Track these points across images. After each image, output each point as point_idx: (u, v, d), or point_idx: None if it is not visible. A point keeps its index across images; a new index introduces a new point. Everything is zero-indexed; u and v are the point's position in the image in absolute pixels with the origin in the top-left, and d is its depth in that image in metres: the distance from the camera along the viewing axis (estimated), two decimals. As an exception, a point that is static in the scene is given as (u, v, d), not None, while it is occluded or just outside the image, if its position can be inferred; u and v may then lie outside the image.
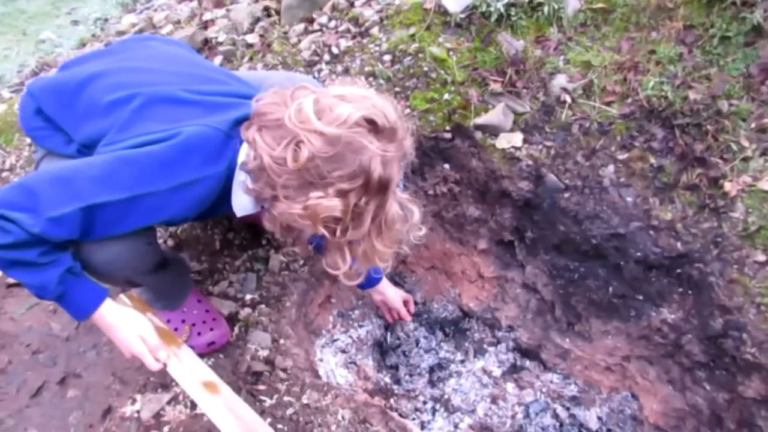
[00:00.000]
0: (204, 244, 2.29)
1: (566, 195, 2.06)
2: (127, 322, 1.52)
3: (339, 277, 1.43)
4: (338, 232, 1.29)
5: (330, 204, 1.23)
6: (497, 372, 2.31)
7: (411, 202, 1.41)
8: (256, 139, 1.31)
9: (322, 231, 1.29)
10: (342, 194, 1.24)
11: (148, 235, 1.53)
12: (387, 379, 2.32)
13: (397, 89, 2.36)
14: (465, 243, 2.35)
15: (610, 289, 1.98)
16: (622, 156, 2.07)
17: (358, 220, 1.29)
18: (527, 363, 2.31)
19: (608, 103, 2.16)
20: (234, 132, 1.36)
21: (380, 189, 1.26)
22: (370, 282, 2.09)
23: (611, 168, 2.06)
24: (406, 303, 2.24)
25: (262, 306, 2.18)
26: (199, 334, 1.96)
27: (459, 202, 2.31)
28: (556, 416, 2.12)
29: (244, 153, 1.37)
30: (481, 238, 2.29)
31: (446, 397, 2.25)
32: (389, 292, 2.15)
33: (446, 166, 2.31)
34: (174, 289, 1.95)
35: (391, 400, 2.23)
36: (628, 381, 2.04)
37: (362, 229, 1.30)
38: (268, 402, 1.89)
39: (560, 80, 2.21)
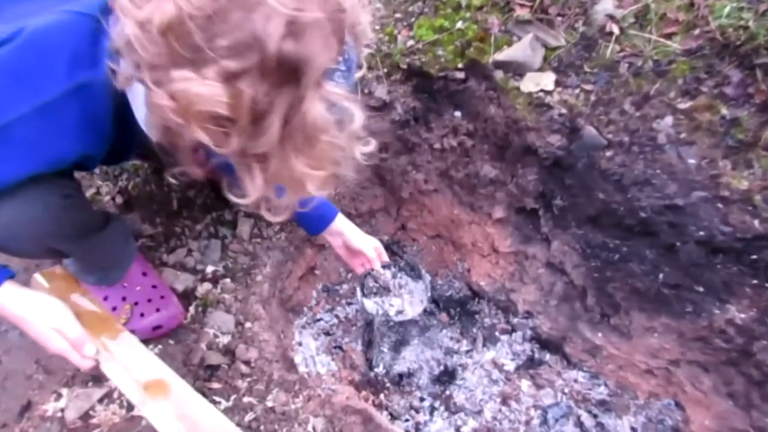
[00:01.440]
0: (159, 202, 1.91)
1: (608, 153, 1.63)
2: (37, 312, 1.19)
3: (262, 212, 0.97)
4: (233, 141, 0.84)
5: (205, 91, 0.79)
6: (510, 366, 1.94)
7: (348, 99, 0.89)
8: (120, 1, 0.85)
9: (202, 136, 0.83)
10: (227, 78, 0.79)
11: (62, 186, 1.15)
12: (379, 369, 1.96)
13: (398, 15, 1.91)
14: (477, 209, 1.94)
15: (661, 276, 1.57)
16: (684, 105, 1.62)
17: (260, 123, 0.83)
18: (547, 357, 1.93)
19: (668, 36, 1.70)
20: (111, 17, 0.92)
21: (288, 74, 0.80)
22: (319, 221, 1.63)
23: (669, 120, 1.61)
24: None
25: (227, 280, 1.82)
26: (142, 315, 1.61)
27: (472, 159, 1.89)
28: (580, 424, 1.76)
29: None
30: (498, 204, 1.88)
31: (448, 393, 1.90)
32: (350, 233, 1.63)
33: (457, 113, 1.88)
34: (111, 258, 1.59)
35: (381, 396, 1.88)
36: (673, 388, 1.66)
37: (268, 137, 0.84)
38: (223, 404, 1.54)
39: (605, 5, 1.75)
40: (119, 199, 1.92)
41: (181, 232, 1.88)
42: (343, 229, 1.61)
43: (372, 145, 1.00)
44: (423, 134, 1.92)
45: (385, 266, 1.70)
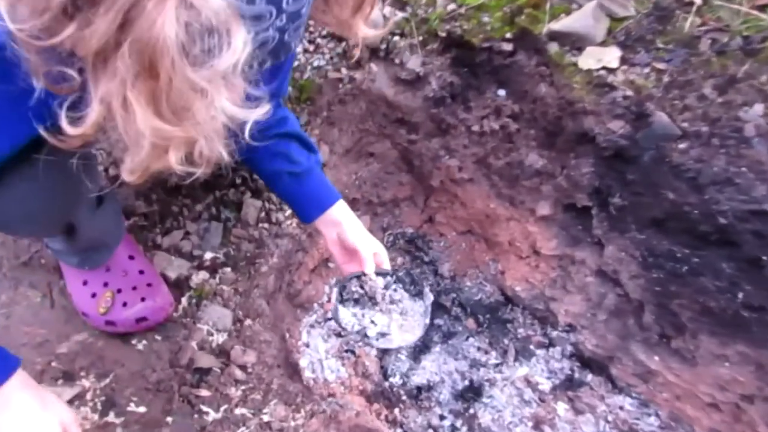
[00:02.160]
0: (156, 177, 1.70)
1: (681, 146, 1.38)
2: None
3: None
4: (65, 27, 0.56)
5: None
6: (545, 385, 1.70)
7: (234, 21, 0.58)
8: None
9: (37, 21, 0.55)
10: None
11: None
12: (395, 380, 1.74)
13: (439, -27, 1.67)
14: (518, 204, 1.70)
15: (740, 295, 1.32)
16: (780, 90, 1.35)
17: (94, 5, 0.54)
18: (589, 378, 1.68)
19: (761, 8, 1.43)
20: None
21: None
22: (312, 205, 1.31)
23: (758, 109, 1.35)
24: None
25: (227, 270, 1.60)
26: (125, 304, 1.41)
27: (515, 145, 1.65)
28: (625, 459, 1.51)
29: None
30: (543, 199, 1.63)
31: (472, 412, 1.67)
32: (349, 225, 1.29)
33: (501, 92, 1.63)
34: (98, 237, 1.38)
35: (396, 411, 1.65)
36: (741, 426, 1.41)
37: (98, 28, 0.54)
38: (211, 415, 1.32)
39: (686, -30, 1.49)
40: (113, 171, 1.71)
41: (179, 212, 1.67)
42: (341, 220, 1.29)
43: (264, 110, 0.68)
44: (460, 114, 1.67)
45: (379, 274, 1.28)
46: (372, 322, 1.26)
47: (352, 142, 1.79)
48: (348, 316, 1.28)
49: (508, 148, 1.65)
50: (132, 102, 0.58)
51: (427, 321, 1.29)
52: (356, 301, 1.28)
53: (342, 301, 1.28)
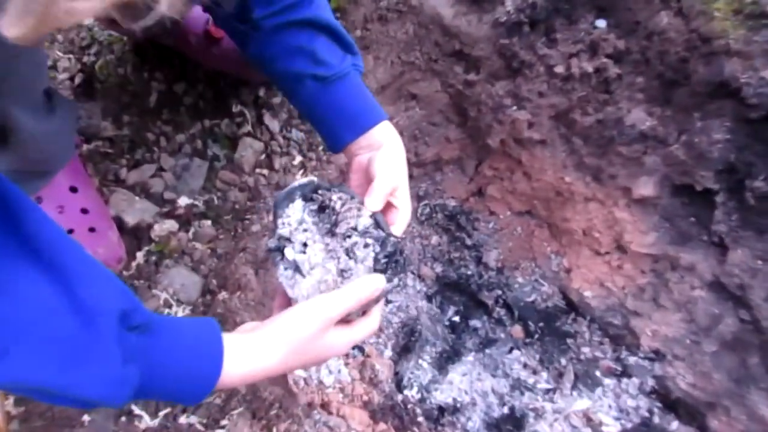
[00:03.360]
0: (132, 94, 1.32)
1: None
2: None
3: None
4: None
5: None
6: (612, 428, 1.28)
7: None
8: None
9: None
10: None
11: None
12: (412, 393, 1.34)
13: None
14: (606, 179, 1.26)
15: None
16: None
17: None
18: (675, 425, 1.25)
19: None
20: None
21: None
22: (352, 120, 0.93)
23: None
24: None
25: (206, 223, 1.22)
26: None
27: (614, 96, 1.21)
28: None
29: None
30: (646, 174, 1.19)
31: (509, 450, 1.25)
32: (390, 150, 0.92)
33: (601, 22, 1.20)
34: (36, 155, 1.02)
35: (409, 435, 1.25)
36: None
37: None
38: (145, 421, 0.94)
39: None
40: (79, 79, 1.34)
41: (155, 141, 1.29)
42: (383, 141, 0.91)
43: None
44: (540, 49, 1.24)
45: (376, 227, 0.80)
46: (304, 245, 0.78)
47: (391, 76, 1.37)
48: (295, 214, 0.80)
49: (603, 101, 1.21)
50: None
51: (384, 264, 0.80)
52: (318, 211, 0.82)
53: (304, 197, 0.81)
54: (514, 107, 1.31)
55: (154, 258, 1.14)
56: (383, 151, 0.89)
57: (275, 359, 0.69)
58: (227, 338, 0.68)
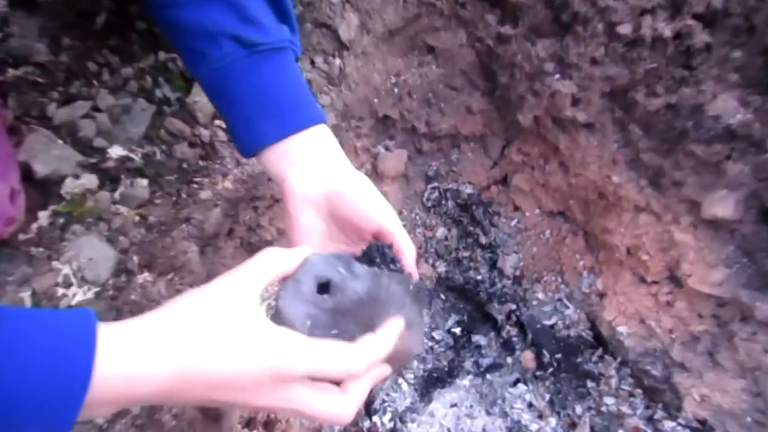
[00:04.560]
0: (78, 11, 1.06)
1: None
2: None
3: None
4: None
5: None
6: None
7: None
8: None
9: None
10: None
11: None
12: (383, 420, 1.09)
13: None
14: (668, 187, 0.95)
15: None
16: None
17: None
18: None
19: None
20: None
21: None
22: (283, 112, 0.66)
23: None
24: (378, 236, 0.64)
25: (140, 182, 0.98)
26: None
27: (696, 75, 0.89)
28: None
29: None
30: (725, 186, 0.87)
31: None
32: (374, 196, 0.63)
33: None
34: None
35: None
36: None
37: None
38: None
39: None
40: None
41: (96, 73, 1.04)
42: (323, 153, 0.66)
43: None
44: (601, 0, 0.92)
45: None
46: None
47: (403, 19, 1.07)
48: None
49: (680, 79, 0.89)
50: None
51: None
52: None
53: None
54: (557, 75, 1.00)
55: (60, 221, 0.90)
56: (358, 184, 0.64)
57: (160, 373, 0.45)
58: (107, 331, 0.43)
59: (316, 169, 0.65)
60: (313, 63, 1.10)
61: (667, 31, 0.87)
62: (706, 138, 0.86)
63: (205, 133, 1.02)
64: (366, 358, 0.50)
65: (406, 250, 0.61)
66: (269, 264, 0.53)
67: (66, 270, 0.87)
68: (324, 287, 0.57)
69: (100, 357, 0.41)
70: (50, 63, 1.03)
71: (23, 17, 1.06)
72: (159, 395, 0.45)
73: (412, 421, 1.10)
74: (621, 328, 1.07)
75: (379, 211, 0.61)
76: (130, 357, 0.43)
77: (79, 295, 0.87)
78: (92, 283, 0.88)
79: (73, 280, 0.87)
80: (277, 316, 0.55)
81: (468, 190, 1.28)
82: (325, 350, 0.48)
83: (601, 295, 1.13)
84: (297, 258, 0.55)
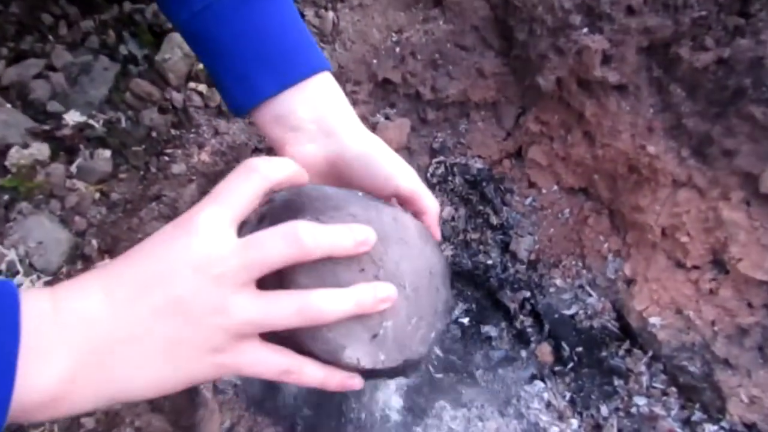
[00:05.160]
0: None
1: None
2: None
3: None
4: None
5: None
6: None
7: None
8: None
9: None
10: None
11: None
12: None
13: None
14: (717, 157, 0.82)
15: None
16: None
17: None
18: None
19: None
20: None
21: None
22: (282, 60, 0.55)
23: None
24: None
25: (102, 153, 0.86)
26: None
27: (755, 23, 0.75)
28: None
29: None
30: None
31: None
32: (390, 155, 0.55)
33: None
34: None
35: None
36: None
37: None
38: None
39: None
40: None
41: (52, 27, 0.90)
42: (335, 126, 0.56)
43: None
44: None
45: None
46: None
47: (406, -34, 0.94)
48: None
49: (734, 28, 0.76)
50: None
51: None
52: None
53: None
54: (585, 29, 0.87)
55: (5, 198, 0.77)
56: (368, 145, 0.55)
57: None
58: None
59: (318, 134, 0.55)
60: (302, 16, 0.97)
61: (719, -26, 0.74)
62: (766, 98, 0.73)
63: (177, 97, 0.89)
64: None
65: (430, 207, 0.51)
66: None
67: (11, 255, 0.75)
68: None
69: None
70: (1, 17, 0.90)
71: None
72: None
73: (417, 425, 0.99)
74: (653, 319, 0.95)
75: (394, 171, 0.52)
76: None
77: (25, 284, 0.74)
78: (42, 271, 0.75)
79: (20, 267, 0.74)
80: None
81: (478, 164, 1.15)
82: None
83: (629, 282, 1.01)
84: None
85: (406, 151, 1.18)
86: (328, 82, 0.57)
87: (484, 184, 1.18)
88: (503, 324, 1.15)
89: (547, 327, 1.10)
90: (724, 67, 0.77)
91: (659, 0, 0.80)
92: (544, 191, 1.14)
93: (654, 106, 0.87)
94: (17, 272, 0.76)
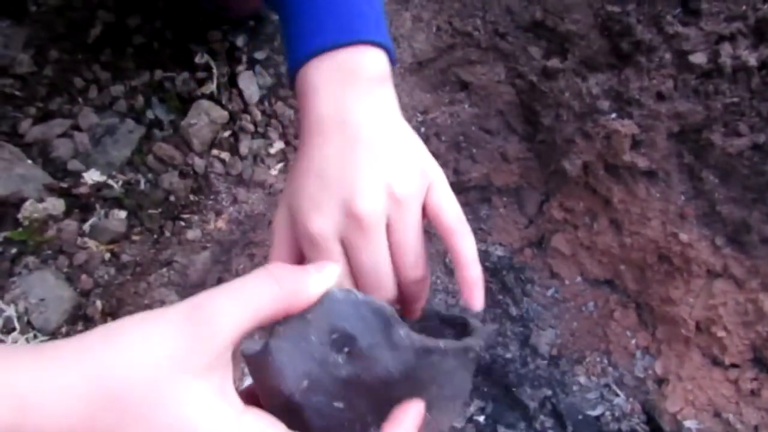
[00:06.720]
0: (71, 22, 0.96)
1: None
2: None
3: None
4: None
5: None
6: None
7: None
8: None
9: None
10: None
11: None
12: None
13: None
14: (756, 245, 0.80)
15: None
16: None
17: None
18: None
19: None
20: None
21: None
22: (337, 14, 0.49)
23: None
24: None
25: (117, 214, 0.86)
26: None
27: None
28: None
29: None
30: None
31: None
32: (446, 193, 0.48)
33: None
34: None
35: None
36: None
37: None
38: None
39: None
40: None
41: (83, 90, 0.91)
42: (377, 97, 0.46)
43: None
44: (671, 25, 0.80)
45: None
46: None
47: (435, 49, 0.96)
48: None
49: None
50: None
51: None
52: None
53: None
54: (614, 114, 0.87)
55: (13, 251, 0.75)
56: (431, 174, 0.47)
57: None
58: None
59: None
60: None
61: (752, 60, 0.75)
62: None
63: (199, 163, 0.88)
64: None
65: (469, 259, 0.46)
66: (264, 296, 0.36)
67: (9, 312, 0.71)
68: (342, 342, 0.40)
69: None
70: (31, 76, 0.91)
71: (9, 26, 0.95)
72: None
73: None
74: (689, 423, 0.88)
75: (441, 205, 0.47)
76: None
77: (20, 343, 0.69)
78: (39, 330, 0.71)
79: (17, 324, 0.70)
80: (262, 357, 0.38)
81: (498, 251, 1.12)
82: None
83: (661, 381, 0.94)
84: (315, 288, 0.39)
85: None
86: (381, 60, 0.49)
87: (504, 272, 1.14)
88: (522, 424, 1.08)
89: (570, 429, 1.02)
90: (759, 153, 0.76)
91: (690, 86, 0.81)
92: (567, 282, 1.10)
93: (685, 193, 0.85)
94: (13, 329, 0.72)
